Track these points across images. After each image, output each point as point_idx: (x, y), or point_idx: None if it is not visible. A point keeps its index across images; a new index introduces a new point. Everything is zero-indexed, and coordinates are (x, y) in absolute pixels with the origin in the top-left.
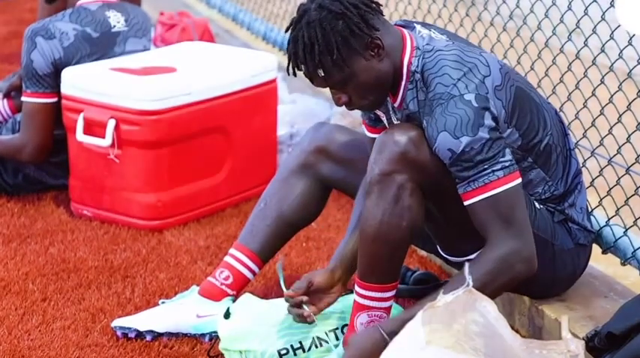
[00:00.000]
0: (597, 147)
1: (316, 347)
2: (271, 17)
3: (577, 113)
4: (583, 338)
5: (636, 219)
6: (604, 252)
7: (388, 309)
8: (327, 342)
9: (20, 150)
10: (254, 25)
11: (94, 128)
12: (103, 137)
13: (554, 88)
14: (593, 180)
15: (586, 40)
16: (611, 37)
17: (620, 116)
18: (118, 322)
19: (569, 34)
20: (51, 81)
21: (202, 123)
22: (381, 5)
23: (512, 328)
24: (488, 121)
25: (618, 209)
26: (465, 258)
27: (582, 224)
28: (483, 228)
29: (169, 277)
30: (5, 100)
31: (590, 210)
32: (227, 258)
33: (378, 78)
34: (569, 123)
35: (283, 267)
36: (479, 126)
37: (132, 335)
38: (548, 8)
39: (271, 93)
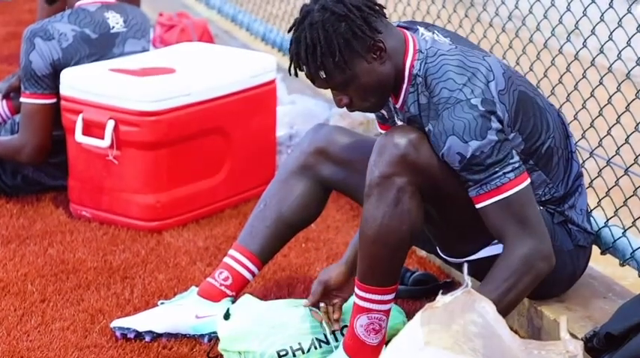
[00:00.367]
0: (596, 148)
1: (315, 348)
2: (270, 18)
3: (576, 114)
4: (582, 339)
5: (635, 220)
6: (603, 253)
7: (388, 312)
8: (326, 343)
9: (19, 151)
10: (253, 26)
11: (93, 129)
12: (102, 138)
13: (553, 88)
14: (591, 180)
15: (585, 41)
16: (610, 38)
17: (619, 117)
18: (117, 323)
19: (568, 35)
20: (50, 82)
21: (201, 124)
22: (384, 7)
23: (511, 328)
24: (496, 124)
25: (617, 210)
26: (465, 259)
27: (582, 225)
28: (498, 231)
29: (168, 278)
30: (4, 101)
31: (589, 211)
32: (226, 259)
33: (380, 80)
34: (568, 124)
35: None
36: (487, 129)
37: (131, 335)
38: (547, 9)
39: (270, 94)
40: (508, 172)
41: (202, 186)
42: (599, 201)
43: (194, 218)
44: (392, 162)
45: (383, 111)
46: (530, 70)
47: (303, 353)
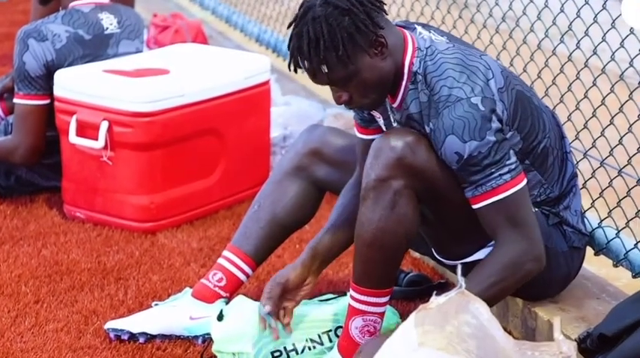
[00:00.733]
0: (590, 148)
1: (309, 349)
2: (264, 19)
3: (569, 115)
4: (575, 340)
5: (628, 221)
6: (596, 254)
7: (383, 314)
8: (320, 344)
9: (12, 152)
10: (247, 27)
11: (86, 130)
12: (96, 139)
13: (547, 89)
14: (585, 181)
15: (578, 42)
16: (604, 40)
17: (613, 118)
18: (110, 324)
19: (562, 36)
20: (43, 83)
21: (195, 125)
22: (384, 4)
23: (505, 329)
24: (495, 124)
25: (611, 211)
26: (460, 261)
27: (577, 227)
28: (492, 230)
29: (162, 279)
30: None
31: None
32: (220, 260)
33: (381, 76)
34: (562, 125)
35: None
36: (486, 129)
37: (125, 337)
38: (540, 10)
39: (264, 95)
40: (504, 174)
41: (196, 187)
42: (593, 202)
43: (188, 219)
44: (388, 165)
45: (375, 113)
46: (524, 71)
47: (297, 353)
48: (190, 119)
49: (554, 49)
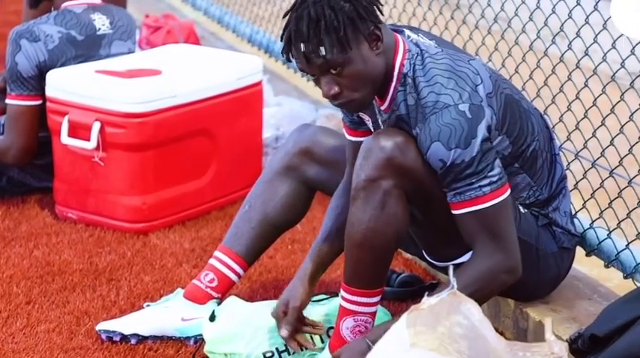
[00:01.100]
0: (581, 149)
1: (302, 350)
2: (257, 20)
3: (561, 116)
4: (567, 340)
5: (620, 222)
6: (588, 255)
7: (374, 314)
8: (312, 345)
9: (4, 152)
10: (239, 28)
11: (78, 131)
12: (88, 140)
13: (539, 91)
14: (577, 182)
15: (570, 43)
16: (595, 41)
17: (604, 119)
18: (102, 325)
19: (554, 38)
20: (35, 83)
21: (188, 126)
22: (382, 5)
23: (497, 330)
24: (482, 132)
25: (602, 211)
26: (450, 263)
27: (566, 227)
28: (469, 238)
29: (154, 280)
30: None
31: (574, 212)
32: (212, 261)
33: (374, 70)
34: (553, 126)
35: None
36: (472, 138)
37: (117, 338)
38: (532, 11)
39: (257, 95)
40: (484, 186)
41: (188, 188)
42: (585, 203)
43: (180, 220)
44: (378, 166)
45: (363, 115)
46: (516, 72)
47: (289, 354)
48: (182, 120)
49: (546, 50)
